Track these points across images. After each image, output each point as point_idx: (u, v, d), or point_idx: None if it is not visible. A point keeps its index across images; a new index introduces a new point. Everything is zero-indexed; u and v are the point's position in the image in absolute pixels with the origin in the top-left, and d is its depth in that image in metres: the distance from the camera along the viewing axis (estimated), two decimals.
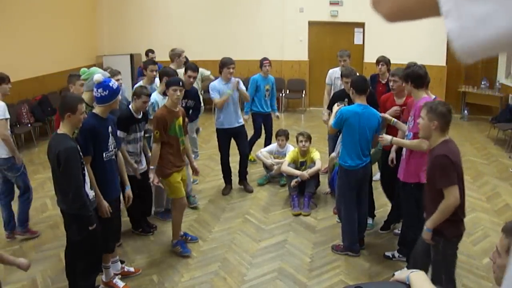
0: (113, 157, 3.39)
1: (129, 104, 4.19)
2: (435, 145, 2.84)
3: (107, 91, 3.21)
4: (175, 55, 5.68)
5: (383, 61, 5.59)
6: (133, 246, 4.23)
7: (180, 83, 3.93)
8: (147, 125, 4.33)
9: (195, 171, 4.39)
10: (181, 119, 4.00)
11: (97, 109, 3.29)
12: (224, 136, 5.34)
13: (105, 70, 5.64)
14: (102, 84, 3.21)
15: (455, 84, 9.50)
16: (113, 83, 3.28)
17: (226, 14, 10.24)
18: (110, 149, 3.31)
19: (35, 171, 6.23)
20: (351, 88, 3.88)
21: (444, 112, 2.81)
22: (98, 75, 3.28)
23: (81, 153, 2.97)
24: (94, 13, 10.49)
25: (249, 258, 4.03)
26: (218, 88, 5.17)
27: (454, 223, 2.82)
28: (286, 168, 5.19)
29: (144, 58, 7.99)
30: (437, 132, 2.83)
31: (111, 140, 3.32)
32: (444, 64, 9.40)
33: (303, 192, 5.08)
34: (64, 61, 8.79)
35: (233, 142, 5.44)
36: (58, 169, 2.85)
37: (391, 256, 3.96)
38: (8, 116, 4.09)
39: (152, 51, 7.56)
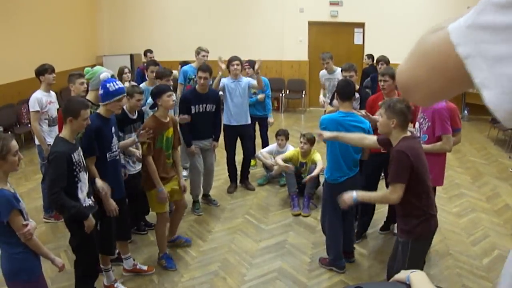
0: (117, 157, 3.38)
1: None
2: (396, 143, 2.81)
3: (103, 91, 3.23)
4: (195, 52, 5.87)
5: (382, 60, 5.60)
6: (133, 246, 4.22)
7: (171, 87, 3.89)
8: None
9: (182, 188, 3.98)
10: (171, 130, 3.79)
11: (100, 109, 3.30)
12: (231, 133, 5.34)
13: (122, 68, 5.65)
14: (102, 83, 3.25)
15: None
16: (112, 84, 3.23)
17: (226, 14, 10.25)
18: (114, 150, 3.31)
19: (35, 171, 6.22)
20: (336, 95, 3.66)
21: (402, 110, 2.78)
22: (105, 73, 3.34)
23: (74, 159, 2.88)
24: (94, 13, 10.49)
25: (249, 258, 4.03)
26: (227, 85, 5.22)
27: (424, 222, 2.78)
28: (278, 160, 5.14)
29: (143, 58, 7.94)
30: (396, 129, 2.80)
31: (114, 140, 3.31)
32: None
33: (302, 193, 5.08)
34: (64, 61, 8.77)
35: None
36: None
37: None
38: (37, 108, 4.47)
39: (150, 51, 7.50)
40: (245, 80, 5.32)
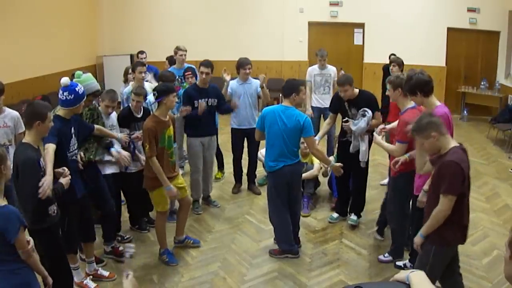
0: (74, 157, 3.30)
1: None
2: (445, 152, 2.67)
3: (73, 96, 3.17)
4: (173, 52, 5.94)
5: (395, 61, 5.44)
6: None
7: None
8: None
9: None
10: (171, 128, 3.87)
11: (60, 111, 3.25)
12: (239, 136, 5.32)
13: (128, 69, 5.61)
14: (68, 88, 3.19)
15: (454, 85, 9.51)
16: (79, 88, 3.23)
17: (226, 15, 10.25)
18: (72, 150, 3.26)
19: None
20: (281, 91, 3.92)
21: (434, 121, 2.67)
22: (65, 78, 3.24)
23: (42, 165, 2.80)
24: (94, 13, 10.49)
25: (249, 258, 4.03)
26: (235, 89, 5.19)
27: (453, 228, 2.69)
28: None
29: (145, 59, 7.82)
30: (440, 139, 2.66)
31: (73, 140, 3.28)
32: (444, 65, 9.42)
33: (302, 193, 5.07)
34: (64, 61, 8.79)
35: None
36: (17, 181, 2.72)
37: (402, 266, 3.75)
38: None
39: (142, 52, 7.17)
40: (255, 83, 5.24)
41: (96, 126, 3.67)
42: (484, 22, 9.19)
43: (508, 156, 6.97)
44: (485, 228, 4.57)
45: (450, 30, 9.39)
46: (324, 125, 4.82)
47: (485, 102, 9.17)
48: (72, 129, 3.29)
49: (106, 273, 3.69)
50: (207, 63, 4.77)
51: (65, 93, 3.18)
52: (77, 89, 3.22)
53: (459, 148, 2.70)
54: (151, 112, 4.33)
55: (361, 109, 4.23)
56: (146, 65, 5.40)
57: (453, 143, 2.71)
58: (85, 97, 3.31)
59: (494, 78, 9.32)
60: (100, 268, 3.72)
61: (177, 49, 5.90)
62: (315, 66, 6.21)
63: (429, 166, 2.93)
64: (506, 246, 1.28)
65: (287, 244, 4.00)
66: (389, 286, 1.49)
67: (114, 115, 4.09)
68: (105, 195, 3.78)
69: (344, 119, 4.37)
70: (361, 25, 9.87)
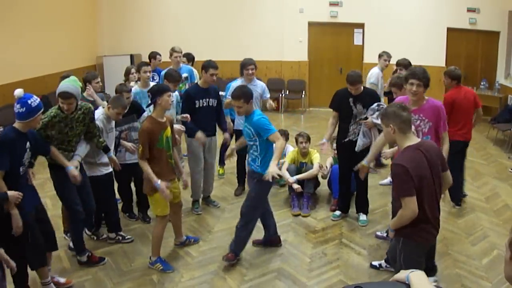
0: (26, 169, 3.24)
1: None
2: (399, 152, 2.72)
3: (24, 108, 3.08)
4: (169, 54, 6.00)
5: (402, 64, 5.40)
6: (133, 246, 4.24)
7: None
8: (142, 116, 4.45)
9: (184, 184, 4.15)
10: (169, 129, 3.72)
11: (16, 124, 3.16)
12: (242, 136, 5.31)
13: (130, 69, 5.62)
14: (21, 100, 3.09)
15: None
16: (33, 100, 3.12)
17: (226, 15, 10.26)
18: (25, 164, 3.19)
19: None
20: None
21: (396, 112, 2.63)
22: (19, 90, 3.14)
23: None
24: (94, 13, 10.50)
25: (249, 258, 4.03)
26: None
27: (416, 227, 2.65)
28: (284, 171, 5.12)
29: (145, 59, 7.74)
30: (398, 136, 2.65)
31: (27, 155, 3.19)
32: (444, 65, 9.41)
33: (302, 193, 5.08)
34: (64, 61, 8.79)
35: None
36: None
37: (378, 266, 3.79)
38: None
39: (159, 54, 6.81)
40: (260, 85, 5.18)
41: (52, 148, 3.52)
42: (484, 22, 9.20)
43: (508, 156, 6.98)
44: (485, 228, 4.56)
45: (450, 30, 9.40)
46: (329, 126, 4.67)
47: (485, 102, 9.11)
48: (28, 143, 3.18)
49: (62, 280, 3.53)
50: (216, 65, 4.74)
51: (17, 105, 3.08)
52: (29, 101, 3.09)
53: (413, 148, 2.63)
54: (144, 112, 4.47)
55: (376, 104, 4.25)
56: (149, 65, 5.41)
57: (408, 143, 2.65)
58: (41, 110, 3.15)
59: (494, 78, 9.33)
60: (56, 275, 3.55)
61: (172, 50, 5.90)
62: (378, 69, 6.09)
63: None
64: (506, 247, 1.28)
65: (242, 248, 3.98)
66: (389, 286, 1.49)
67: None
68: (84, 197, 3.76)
69: (363, 117, 4.35)
70: (361, 25, 9.88)
